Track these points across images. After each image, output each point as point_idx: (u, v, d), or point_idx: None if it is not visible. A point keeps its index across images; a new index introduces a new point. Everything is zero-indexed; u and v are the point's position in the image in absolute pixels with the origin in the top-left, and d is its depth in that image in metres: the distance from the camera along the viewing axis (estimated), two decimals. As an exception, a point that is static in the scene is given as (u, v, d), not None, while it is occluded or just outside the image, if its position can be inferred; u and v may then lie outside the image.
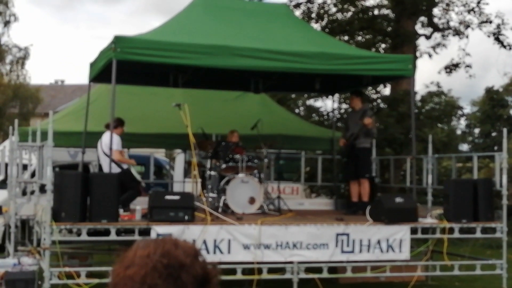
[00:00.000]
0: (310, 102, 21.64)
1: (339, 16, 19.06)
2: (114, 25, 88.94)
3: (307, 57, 9.78)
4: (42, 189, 9.65)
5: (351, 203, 11.34)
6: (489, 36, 18.60)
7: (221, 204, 10.22)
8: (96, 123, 11.68)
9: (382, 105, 17.45)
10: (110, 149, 9.70)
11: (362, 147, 11.07)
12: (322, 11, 18.79)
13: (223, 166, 10.78)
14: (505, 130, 10.33)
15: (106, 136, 10.08)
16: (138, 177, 9.99)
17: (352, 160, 11.10)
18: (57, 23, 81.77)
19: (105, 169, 10.00)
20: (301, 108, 21.36)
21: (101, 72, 10.20)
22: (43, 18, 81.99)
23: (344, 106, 18.62)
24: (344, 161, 11.55)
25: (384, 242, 9.24)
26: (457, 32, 18.59)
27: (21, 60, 35.34)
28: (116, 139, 9.97)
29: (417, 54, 18.25)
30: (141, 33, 10.08)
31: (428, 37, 18.75)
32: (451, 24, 18.70)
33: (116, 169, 9.82)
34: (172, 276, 1.72)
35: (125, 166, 10.09)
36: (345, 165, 11.56)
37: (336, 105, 16.15)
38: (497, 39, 18.59)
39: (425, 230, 9.64)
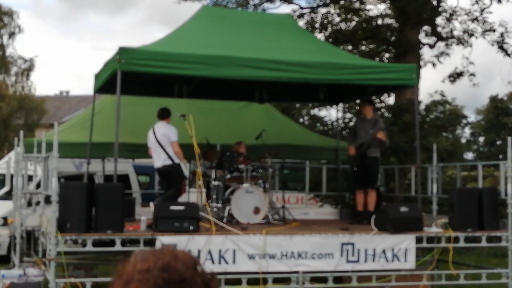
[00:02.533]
0: (315, 111, 21.68)
1: (343, 26, 19.12)
2: (117, 36, 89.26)
3: (311, 67, 9.81)
4: (47, 200, 9.67)
5: (356, 212, 11.30)
6: (492, 45, 18.63)
7: (226, 214, 10.22)
8: (101, 134, 11.72)
9: (386, 114, 17.44)
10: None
11: (372, 157, 10.97)
12: (325, 21, 18.85)
13: (228, 176, 10.79)
14: (509, 139, 10.30)
15: (161, 126, 10.35)
16: (186, 173, 10.21)
17: (361, 169, 11.00)
18: (61, 34, 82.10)
19: (157, 162, 10.28)
20: (306, 118, 21.39)
21: (106, 83, 10.25)
22: (47, 30, 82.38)
23: (349, 115, 18.65)
24: (353, 170, 11.27)
25: (389, 252, 9.22)
26: (461, 41, 18.60)
27: (26, 71, 35.53)
28: (172, 129, 10.31)
29: (421, 63, 18.27)
30: (146, 44, 10.13)
31: (432, 46, 18.77)
32: (455, 33, 18.73)
33: (167, 161, 10.16)
34: None
35: (176, 160, 10.28)
36: (354, 173, 11.33)
37: (340, 114, 16.19)
38: (500, 47, 18.62)
39: (430, 239, 9.62)
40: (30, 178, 12.16)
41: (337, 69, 9.93)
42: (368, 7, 19.25)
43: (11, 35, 35.22)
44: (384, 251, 9.20)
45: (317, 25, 18.75)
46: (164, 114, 10.55)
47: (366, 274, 9.27)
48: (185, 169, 10.19)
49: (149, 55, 9.35)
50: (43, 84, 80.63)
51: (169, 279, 1.70)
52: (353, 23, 19.08)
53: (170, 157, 10.19)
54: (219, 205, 10.59)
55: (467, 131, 31.77)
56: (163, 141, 10.22)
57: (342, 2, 18.89)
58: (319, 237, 9.06)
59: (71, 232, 8.31)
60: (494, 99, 28.03)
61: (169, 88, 12.01)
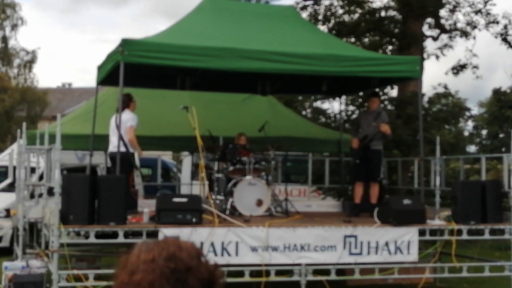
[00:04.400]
0: (317, 104, 21.63)
1: (346, 18, 19.05)
2: (120, 29, 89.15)
3: (314, 59, 9.78)
4: (50, 192, 9.67)
5: (353, 205, 11.26)
6: (496, 37, 18.55)
7: (228, 206, 10.21)
8: (103, 126, 11.69)
9: (389, 107, 17.41)
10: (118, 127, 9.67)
11: (375, 149, 10.90)
12: (329, 13, 18.77)
13: (231, 168, 10.78)
14: (513, 131, 10.28)
15: (123, 114, 9.98)
16: (137, 163, 10.00)
17: (364, 162, 10.92)
18: (63, 26, 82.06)
19: (113, 146, 9.98)
20: (308, 110, 21.35)
21: (108, 75, 10.23)
22: (49, 22, 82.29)
23: (351, 108, 18.61)
24: (356, 162, 11.14)
25: (392, 244, 9.22)
26: (464, 33, 18.53)
27: (29, 63, 35.52)
28: (130, 115, 10.03)
29: (424, 55, 18.20)
30: (148, 36, 10.10)
31: (435, 39, 18.70)
32: (458, 25, 18.65)
33: (121, 148, 9.79)
34: (179, 281, 1.70)
35: (131, 150, 10.04)
36: (356, 166, 11.22)
37: (343, 107, 16.12)
38: (504, 39, 18.55)
39: (433, 232, 9.62)
40: (33, 170, 12.17)
41: (340, 61, 9.90)
42: (371, -1, 19.18)
43: (14, 27, 35.20)
44: (387, 244, 9.20)
45: (320, 17, 18.68)
46: (125, 103, 10.15)
47: (368, 266, 9.28)
48: (137, 160, 10.04)
49: (152, 47, 9.33)
50: (45, 76, 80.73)
51: (175, 268, 1.70)
52: (356, 15, 19.01)
53: (125, 145, 9.92)
54: (222, 197, 10.59)
55: (470, 124, 31.71)
56: (123, 127, 9.89)
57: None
58: (321, 229, 9.05)
59: (74, 224, 8.32)
60: (497, 92, 27.88)
61: (171, 80, 12.01)
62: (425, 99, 17.69)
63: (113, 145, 10.02)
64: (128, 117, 10.02)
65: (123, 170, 9.46)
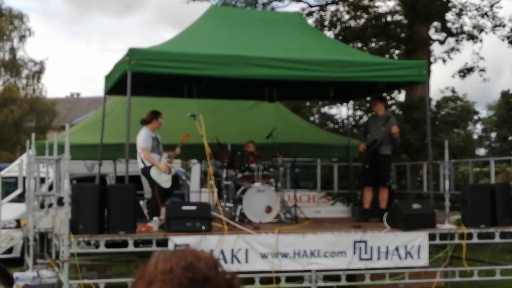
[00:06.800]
0: (325, 109, 21.62)
1: (352, 23, 19.04)
2: (125, 38, 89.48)
3: (321, 65, 9.79)
4: (60, 202, 9.71)
5: (363, 210, 11.24)
6: (503, 40, 18.52)
7: (237, 213, 10.22)
8: (112, 135, 11.76)
9: (397, 112, 17.38)
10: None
11: (384, 154, 10.87)
12: (334, 18, 18.79)
13: (239, 175, 10.79)
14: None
15: (141, 131, 10.25)
16: (157, 178, 10.05)
17: (373, 167, 10.88)
18: (69, 36, 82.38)
19: (138, 164, 10.26)
20: (316, 116, 21.33)
21: (116, 85, 10.28)
22: (55, 32, 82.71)
23: (359, 113, 18.59)
24: (365, 167, 11.04)
25: (402, 249, 9.19)
26: (471, 37, 18.50)
27: (37, 74, 35.68)
28: (143, 136, 10.12)
29: (431, 59, 18.18)
30: (155, 45, 10.15)
31: (442, 42, 18.68)
32: (465, 28, 18.63)
33: (140, 165, 10.14)
34: None
35: (147, 164, 10.08)
36: (365, 171, 11.14)
37: (351, 112, 16.11)
38: (511, 42, 18.51)
39: (443, 236, 9.59)
40: (42, 180, 12.20)
41: (347, 67, 9.91)
42: (377, 4, 19.19)
43: (22, 38, 35.39)
44: (397, 249, 9.17)
45: (326, 23, 18.70)
46: (145, 120, 10.36)
47: (379, 271, 9.25)
48: (158, 175, 10.04)
49: (158, 55, 9.37)
50: (53, 86, 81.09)
51: (193, 278, 1.70)
52: (363, 20, 19.01)
53: (142, 161, 10.13)
54: (231, 204, 10.59)
55: (479, 127, 31.66)
56: (138, 146, 10.14)
57: (351, 0, 18.84)
58: (331, 235, 9.04)
59: (83, 233, 8.34)
60: (505, 94, 27.80)
61: (179, 88, 12.04)
62: (433, 103, 17.66)
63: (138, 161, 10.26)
64: (140, 136, 10.13)
65: (149, 183, 10.21)
